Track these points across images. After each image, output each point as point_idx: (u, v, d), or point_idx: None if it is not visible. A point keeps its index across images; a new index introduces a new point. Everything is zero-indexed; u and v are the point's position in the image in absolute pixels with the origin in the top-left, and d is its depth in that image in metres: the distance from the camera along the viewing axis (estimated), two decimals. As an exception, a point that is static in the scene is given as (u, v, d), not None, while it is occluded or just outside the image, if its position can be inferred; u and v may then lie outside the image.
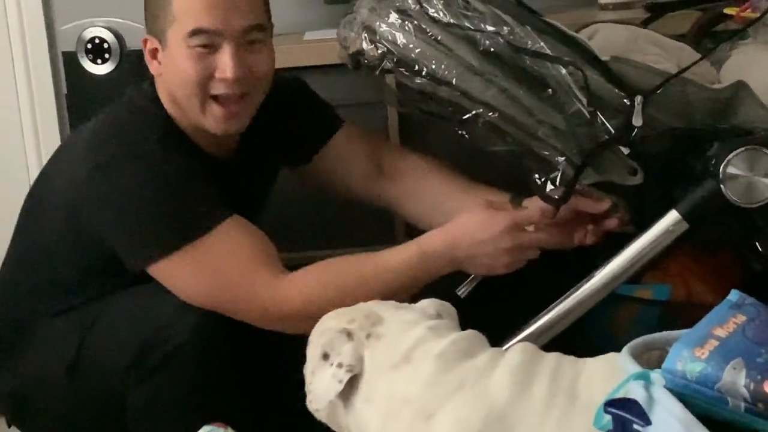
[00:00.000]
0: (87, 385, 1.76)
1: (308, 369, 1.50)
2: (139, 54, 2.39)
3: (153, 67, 1.79)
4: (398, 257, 1.72)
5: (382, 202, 2.00)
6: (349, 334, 1.46)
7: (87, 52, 2.40)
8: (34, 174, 2.53)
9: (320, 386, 1.46)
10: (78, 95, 2.42)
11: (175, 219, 1.70)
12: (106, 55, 2.39)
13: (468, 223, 1.72)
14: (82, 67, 2.40)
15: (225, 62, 1.74)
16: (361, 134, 2.00)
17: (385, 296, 1.61)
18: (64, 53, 2.43)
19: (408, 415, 1.40)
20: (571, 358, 1.44)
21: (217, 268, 1.69)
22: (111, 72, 2.40)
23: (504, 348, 1.58)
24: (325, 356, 1.46)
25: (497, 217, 1.71)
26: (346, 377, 1.43)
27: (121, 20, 2.41)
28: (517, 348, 1.45)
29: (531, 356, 1.43)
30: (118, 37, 2.39)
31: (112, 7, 2.48)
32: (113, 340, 1.74)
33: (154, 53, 1.78)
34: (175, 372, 1.71)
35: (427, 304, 1.55)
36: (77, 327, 1.77)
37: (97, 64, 2.40)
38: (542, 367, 1.41)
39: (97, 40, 2.39)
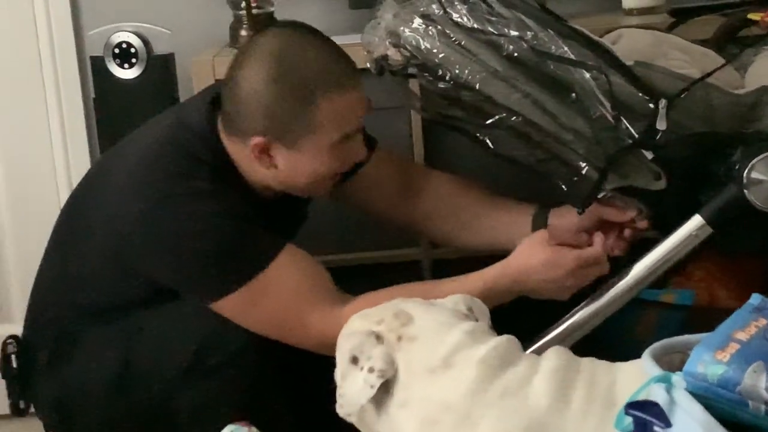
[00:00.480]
0: (136, 390, 1.76)
1: (338, 373, 1.49)
2: (165, 58, 2.44)
3: (263, 161, 1.72)
4: (461, 290, 1.69)
5: (411, 223, 1.99)
6: (378, 337, 1.46)
7: (114, 56, 2.41)
8: (62, 177, 2.57)
9: (351, 391, 1.45)
10: (105, 99, 2.44)
11: (233, 258, 1.69)
12: (133, 60, 2.41)
13: (533, 261, 1.72)
14: (110, 72, 2.41)
15: (358, 149, 1.76)
16: (390, 158, 1.97)
17: None
18: (92, 58, 2.44)
19: (450, 421, 1.40)
20: (605, 362, 1.44)
21: (275, 303, 1.70)
22: (138, 76, 2.42)
23: (530, 350, 1.59)
24: (354, 360, 1.45)
25: (563, 259, 1.71)
26: (378, 382, 1.42)
27: (148, 25, 2.42)
28: (552, 354, 1.45)
29: (567, 361, 1.43)
30: (144, 41, 2.41)
31: (139, 12, 2.49)
32: (167, 344, 1.74)
33: (265, 149, 1.71)
34: (231, 375, 1.72)
35: (458, 299, 1.54)
36: (123, 333, 1.77)
37: (124, 68, 2.42)
38: (579, 373, 1.41)
39: (124, 45, 2.40)
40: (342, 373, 1.47)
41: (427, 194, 1.95)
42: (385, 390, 1.44)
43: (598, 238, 1.73)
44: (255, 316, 1.71)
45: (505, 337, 1.48)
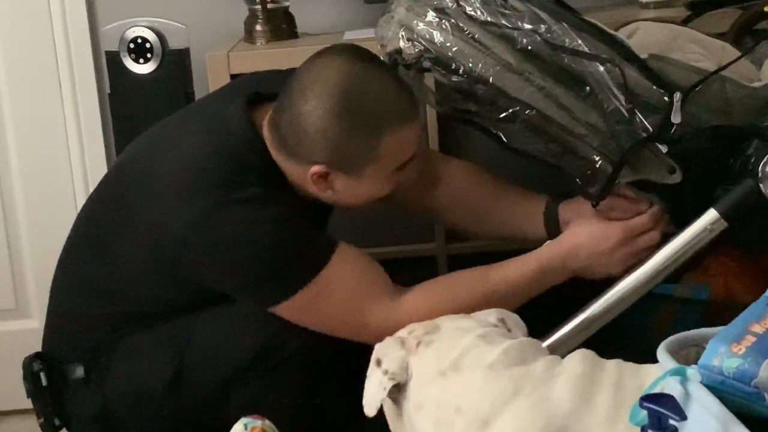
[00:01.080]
0: (190, 391, 1.75)
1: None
2: (180, 53, 2.44)
3: (319, 185, 1.72)
4: (517, 273, 1.73)
5: (428, 212, 1.99)
6: (403, 342, 1.50)
7: (129, 51, 2.41)
8: (77, 172, 2.57)
9: (369, 391, 1.49)
10: (120, 94, 2.43)
11: (292, 262, 1.68)
12: (148, 55, 2.41)
13: (581, 237, 1.75)
14: (125, 67, 2.41)
15: (412, 170, 1.77)
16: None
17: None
18: (107, 53, 2.44)
19: (462, 424, 1.41)
20: (632, 365, 1.43)
21: (336, 300, 1.70)
22: (153, 71, 2.42)
23: (545, 344, 1.58)
24: (378, 362, 1.50)
25: (611, 230, 1.74)
26: (389, 384, 1.46)
27: (163, 20, 2.42)
28: (576, 357, 1.44)
29: (592, 366, 1.42)
30: (160, 36, 2.41)
31: (154, 7, 2.49)
32: (225, 346, 1.73)
33: (324, 176, 1.71)
34: (288, 372, 1.72)
35: (489, 312, 1.56)
36: (171, 338, 1.76)
37: (139, 63, 2.42)
38: (605, 378, 1.40)
39: (139, 40, 2.40)
40: (368, 373, 1.51)
41: (446, 184, 1.95)
42: (404, 393, 1.48)
43: (652, 210, 1.75)
44: (316, 316, 1.71)
45: (521, 340, 1.47)
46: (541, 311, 1.75)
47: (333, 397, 1.78)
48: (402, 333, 1.53)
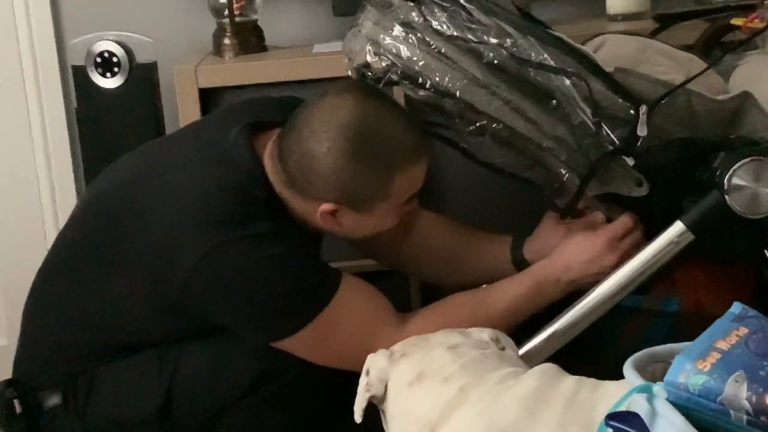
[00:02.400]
0: (179, 419, 1.73)
1: None
2: (147, 67, 2.43)
3: (327, 221, 1.71)
4: (514, 292, 1.75)
5: (403, 264, 2.00)
6: (391, 354, 1.52)
7: (96, 65, 2.40)
8: (44, 186, 2.56)
9: (357, 399, 1.52)
10: (88, 109, 2.41)
11: (297, 299, 1.67)
12: (116, 69, 2.39)
13: (570, 248, 1.77)
14: (92, 81, 2.39)
15: (415, 203, 1.78)
16: None
17: (503, 328, 1.65)
18: (74, 67, 2.43)
19: (415, 430, 1.43)
20: (592, 383, 1.43)
21: (342, 334, 1.69)
22: (120, 86, 2.40)
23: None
24: (367, 372, 1.53)
25: (596, 238, 1.76)
26: (366, 396, 1.50)
27: (130, 34, 2.41)
28: (535, 372, 1.45)
29: (547, 382, 1.42)
30: (127, 50, 2.39)
31: (121, 21, 2.49)
32: (218, 376, 1.71)
33: (333, 213, 1.70)
34: (284, 401, 1.72)
35: (483, 330, 1.58)
36: (157, 367, 1.73)
37: (106, 77, 2.40)
38: (557, 395, 1.40)
39: (106, 54, 2.39)
40: (360, 380, 1.54)
41: (416, 235, 1.95)
42: (385, 404, 1.51)
43: (626, 213, 1.77)
44: (322, 350, 1.70)
45: (483, 352, 1.48)
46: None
47: (325, 429, 1.78)
48: (396, 345, 1.56)
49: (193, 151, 1.77)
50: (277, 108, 1.79)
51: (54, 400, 1.78)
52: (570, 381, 1.42)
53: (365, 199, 1.69)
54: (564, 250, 1.78)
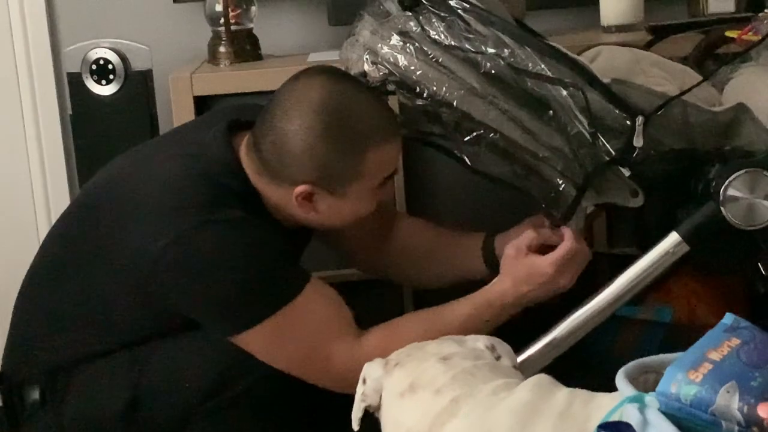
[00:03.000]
0: (145, 422, 1.73)
1: None
2: (143, 75, 2.43)
3: (303, 206, 1.72)
4: (468, 311, 1.73)
5: (382, 268, 2.00)
6: (386, 364, 1.51)
7: (92, 73, 2.40)
8: (39, 193, 2.56)
9: (354, 408, 1.51)
10: (82, 116, 2.41)
11: (262, 289, 1.67)
12: (111, 76, 2.40)
13: (524, 270, 1.74)
14: (87, 88, 2.39)
15: (391, 187, 1.78)
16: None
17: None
18: (69, 74, 2.43)
19: None
20: (586, 395, 1.43)
21: (301, 335, 1.69)
22: (115, 93, 2.40)
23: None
24: (364, 381, 1.52)
25: (540, 269, 1.73)
26: (362, 406, 1.49)
27: (125, 41, 2.41)
28: (528, 384, 1.44)
29: (540, 394, 1.41)
30: (122, 58, 2.40)
31: (116, 29, 2.49)
32: (182, 376, 1.71)
33: (308, 197, 1.71)
34: (247, 407, 1.71)
35: (478, 337, 1.56)
36: (127, 366, 1.74)
37: (101, 85, 2.40)
38: (550, 407, 1.39)
39: (101, 61, 2.39)
40: (357, 388, 1.53)
41: (394, 238, 1.96)
42: (380, 414, 1.50)
43: (567, 231, 1.74)
44: (280, 350, 1.69)
45: (475, 363, 1.48)
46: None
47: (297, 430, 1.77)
48: (393, 354, 1.55)
49: (176, 147, 1.80)
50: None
51: (34, 395, 1.79)
52: (563, 393, 1.42)
53: (339, 178, 1.69)
54: (517, 270, 1.75)
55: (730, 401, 1.18)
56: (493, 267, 1.86)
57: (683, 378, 1.21)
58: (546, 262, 1.73)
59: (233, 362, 1.70)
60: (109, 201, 1.77)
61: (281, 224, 1.77)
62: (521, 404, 1.39)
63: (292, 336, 1.68)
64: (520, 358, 1.69)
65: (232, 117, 1.80)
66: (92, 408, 1.75)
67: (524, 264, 1.74)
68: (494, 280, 1.77)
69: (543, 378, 1.45)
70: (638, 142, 1.64)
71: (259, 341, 1.68)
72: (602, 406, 1.37)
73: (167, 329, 1.73)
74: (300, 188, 1.69)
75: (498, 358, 1.55)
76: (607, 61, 1.87)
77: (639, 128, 1.64)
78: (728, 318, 1.31)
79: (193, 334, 1.71)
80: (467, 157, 1.73)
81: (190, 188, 1.70)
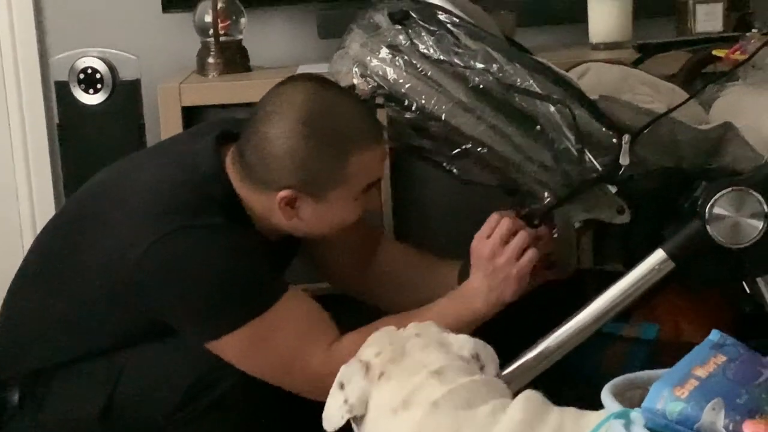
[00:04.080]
0: (122, 430, 1.73)
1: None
2: (131, 84, 2.42)
3: (286, 212, 1.71)
4: (438, 315, 1.71)
5: (365, 291, 1.99)
6: (368, 369, 1.48)
7: (79, 82, 2.40)
8: (24, 202, 2.55)
9: (328, 413, 1.49)
10: (70, 125, 2.41)
11: (240, 295, 1.67)
12: (99, 86, 2.39)
13: (473, 258, 1.76)
14: (74, 97, 2.39)
15: (375, 196, 1.78)
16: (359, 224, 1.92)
17: None
18: (57, 83, 2.42)
19: None
20: (575, 413, 1.42)
21: (275, 345, 1.69)
22: (103, 102, 2.40)
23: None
24: (341, 386, 1.49)
25: (479, 244, 1.75)
26: (346, 416, 1.46)
27: (114, 51, 2.41)
28: (520, 403, 1.43)
29: (533, 413, 1.41)
30: (110, 67, 2.39)
31: (105, 38, 2.48)
32: (156, 383, 1.71)
33: (291, 202, 1.71)
34: (221, 415, 1.70)
35: (464, 343, 1.54)
36: (104, 372, 1.74)
37: (89, 94, 2.40)
38: (544, 427, 1.39)
39: (89, 70, 2.39)
40: (331, 391, 1.50)
41: (377, 263, 1.97)
42: (362, 425, 1.48)
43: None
44: (256, 358, 1.69)
45: (473, 379, 1.47)
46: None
47: None
48: (368, 355, 1.51)
49: (161, 157, 1.81)
50: None
51: (14, 398, 1.79)
52: (554, 412, 1.41)
53: (321, 183, 1.69)
54: (472, 276, 1.77)
55: (715, 418, 1.19)
56: None
57: (669, 394, 1.22)
58: (478, 236, 1.73)
59: (210, 369, 1.70)
60: (95, 208, 1.78)
61: (266, 236, 1.77)
62: (516, 423, 1.38)
63: (269, 344, 1.68)
64: (506, 371, 1.69)
65: (222, 129, 1.81)
66: (69, 413, 1.75)
67: (474, 245, 1.75)
68: (463, 284, 1.78)
69: (533, 395, 1.45)
70: (624, 160, 1.65)
71: (235, 348, 1.68)
72: (591, 423, 1.36)
73: (145, 335, 1.73)
74: (283, 193, 1.69)
75: (482, 368, 1.53)
76: (596, 77, 1.88)
77: (625, 146, 1.64)
78: (715, 335, 1.31)
79: (170, 340, 1.71)
80: (456, 169, 1.73)
81: (172, 195, 1.70)
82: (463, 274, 1.84)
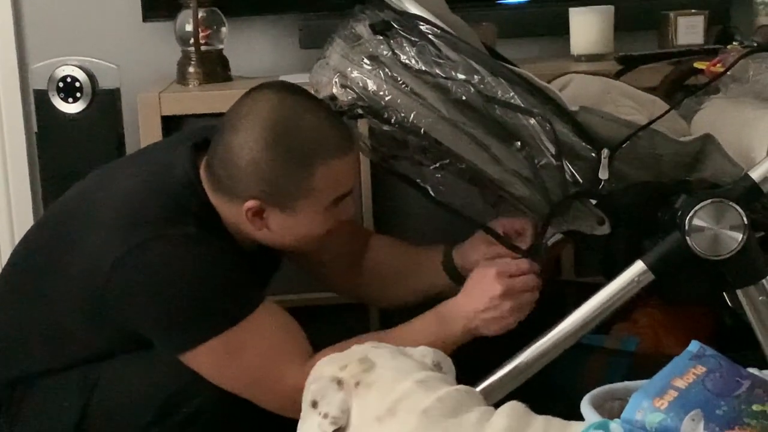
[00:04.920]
0: None
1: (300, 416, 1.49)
2: (110, 93, 2.41)
3: (255, 223, 1.70)
4: (417, 335, 1.70)
5: (355, 288, 1.99)
6: (340, 383, 1.46)
7: (58, 90, 2.38)
8: (2, 210, 2.53)
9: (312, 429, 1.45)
10: (48, 133, 2.40)
11: (214, 306, 1.66)
12: (78, 95, 2.38)
13: (468, 286, 1.74)
14: (54, 106, 2.38)
15: (348, 208, 1.75)
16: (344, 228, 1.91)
17: None
18: (35, 91, 2.41)
19: None
20: (559, 423, 1.42)
21: (250, 356, 1.67)
22: (82, 111, 2.39)
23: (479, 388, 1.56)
24: (314, 404, 1.45)
25: (489, 285, 1.71)
26: (330, 429, 1.43)
27: (94, 59, 2.40)
28: (504, 411, 1.42)
29: (518, 422, 1.40)
30: (90, 76, 2.38)
31: (85, 46, 2.47)
32: (130, 397, 1.70)
33: (258, 213, 1.69)
34: (198, 430, 1.69)
35: (426, 352, 1.53)
36: (79, 385, 1.73)
37: (68, 103, 2.39)
38: None
39: (69, 79, 2.38)
40: (302, 415, 1.47)
41: (366, 259, 1.96)
42: None
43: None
44: (227, 371, 1.68)
45: (458, 388, 1.46)
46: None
47: None
48: (332, 371, 1.48)
49: (138, 165, 1.80)
50: None
51: None
52: (539, 421, 1.41)
53: (287, 194, 1.67)
54: (468, 284, 1.75)
55: (695, 429, 1.19)
56: (455, 279, 1.87)
57: (648, 405, 1.22)
58: (492, 273, 1.71)
59: (185, 382, 1.68)
60: (70, 217, 1.77)
61: (242, 246, 1.76)
62: (502, 430, 1.37)
63: (241, 357, 1.66)
64: (483, 385, 1.69)
65: (201, 137, 1.80)
66: (44, 424, 1.74)
67: (473, 276, 1.74)
68: (449, 301, 1.75)
69: (516, 404, 1.44)
70: (603, 174, 1.64)
71: (207, 360, 1.67)
72: (576, 428, 1.36)
73: (121, 348, 1.72)
74: (249, 204, 1.68)
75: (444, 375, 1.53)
76: (578, 89, 1.89)
77: (604, 161, 1.64)
78: (694, 346, 1.31)
79: (145, 354, 1.70)
80: (430, 187, 1.72)
81: (146, 204, 1.69)
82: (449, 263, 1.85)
